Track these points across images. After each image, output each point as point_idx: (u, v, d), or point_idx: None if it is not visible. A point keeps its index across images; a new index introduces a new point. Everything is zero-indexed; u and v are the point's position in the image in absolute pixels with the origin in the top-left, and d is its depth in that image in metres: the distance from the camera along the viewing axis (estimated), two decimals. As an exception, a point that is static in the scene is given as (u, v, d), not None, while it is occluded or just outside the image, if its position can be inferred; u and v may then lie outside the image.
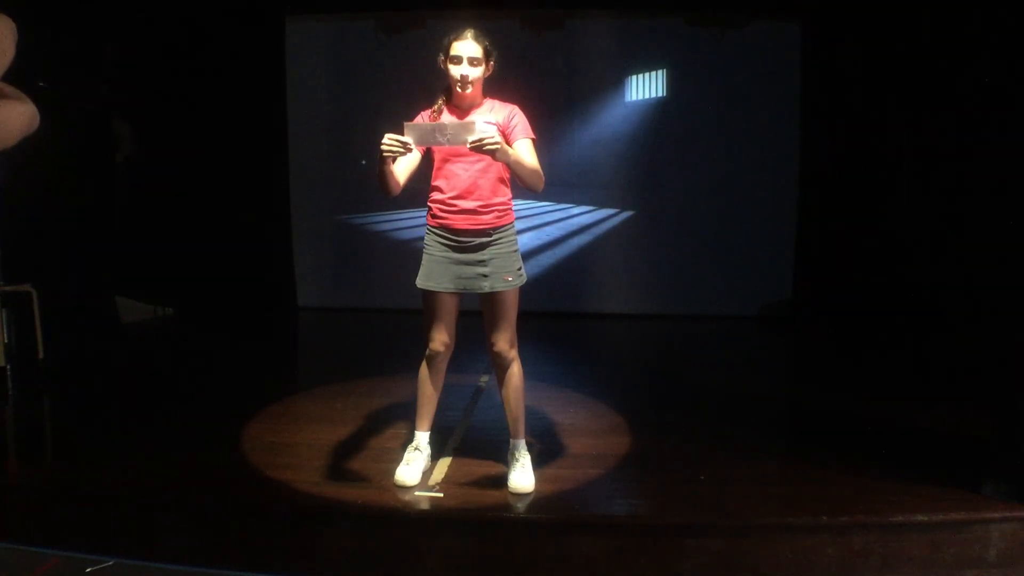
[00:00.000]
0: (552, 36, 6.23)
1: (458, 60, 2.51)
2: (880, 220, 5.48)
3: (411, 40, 6.16)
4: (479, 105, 2.62)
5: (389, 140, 2.33)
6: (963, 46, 4.63)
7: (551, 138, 6.08)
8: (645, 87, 6.32)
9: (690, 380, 4.58)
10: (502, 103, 2.64)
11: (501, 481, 2.73)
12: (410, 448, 2.81)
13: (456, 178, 2.58)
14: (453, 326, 2.71)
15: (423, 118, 2.60)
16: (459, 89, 2.55)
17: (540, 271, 6.39)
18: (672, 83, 6.28)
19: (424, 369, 2.78)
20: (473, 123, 2.36)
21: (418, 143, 2.39)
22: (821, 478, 2.84)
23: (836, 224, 5.86)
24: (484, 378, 4.20)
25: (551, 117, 6.09)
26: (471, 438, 3.27)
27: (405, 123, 2.35)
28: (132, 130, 6.16)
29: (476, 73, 2.53)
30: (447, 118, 2.57)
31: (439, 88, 2.66)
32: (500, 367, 2.73)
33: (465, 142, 2.31)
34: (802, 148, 6.12)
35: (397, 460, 2.80)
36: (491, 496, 2.66)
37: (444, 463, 2.93)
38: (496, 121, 2.55)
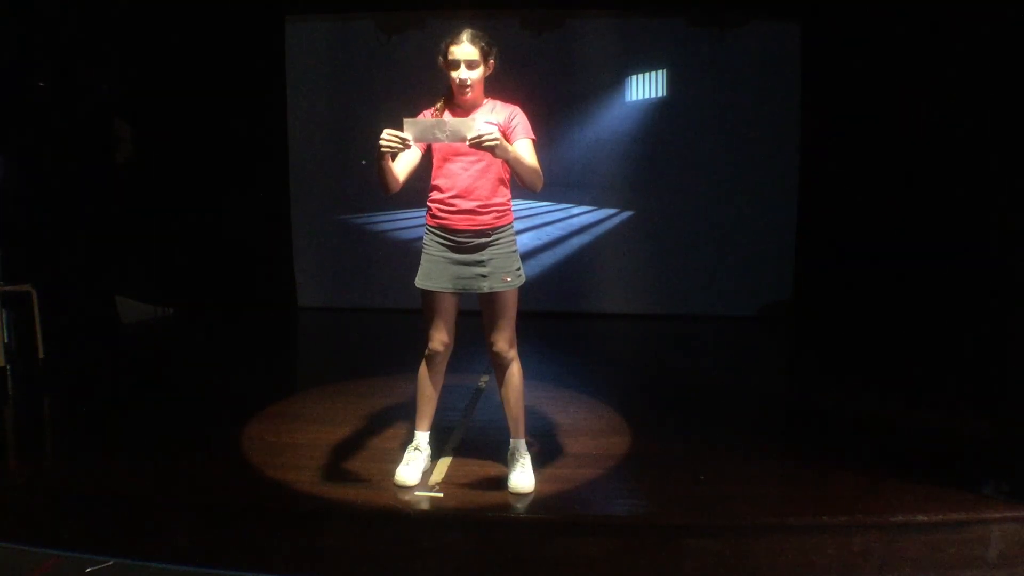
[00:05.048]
0: (552, 36, 6.22)
1: (455, 65, 2.51)
2: (880, 220, 5.47)
3: (411, 40, 6.16)
4: (480, 106, 2.62)
5: (388, 136, 2.33)
6: (964, 45, 4.63)
7: (551, 138, 6.07)
8: (645, 87, 6.32)
9: (690, 380, 4.58)
10: (503, 103, 2.64)
11: (501, 481, 2.73)
12: (410, 448, 2.81)
13: (456, 177, 2.58)
14: (452, 326, 2.72)
15: (425, 117, 2.60)
16: (459, 92, 2.55)
17: (540, 271, 6.38)
18: (672, 83, 6.27)
19: (424, 369, 2.78)
20: (473, 120, 2.36)
21: (417, 139, 2.39)
22: (821, 478, 2.84)
23: (836, 224, 5.86)
24: (484, 378, 4.20)
25: (551, 117, 6.09)
26: (471, 438, 3.27)
27: (405, 119, 2.34)
28: (132, 130, 6.16)
29: (475, 76, 2.53)
30: (448, 118, 2.57)
31: (440, 88, 2.66)
32: (500, 367, 2.74)
33: (464, 139, 2.31)
34: (802, 148, 6.12)
35: (397, 460, 2.80)
36: (491, 496, 2.66)
37: (444, 463, 2.93)
38: (497, 121, 2.55)
